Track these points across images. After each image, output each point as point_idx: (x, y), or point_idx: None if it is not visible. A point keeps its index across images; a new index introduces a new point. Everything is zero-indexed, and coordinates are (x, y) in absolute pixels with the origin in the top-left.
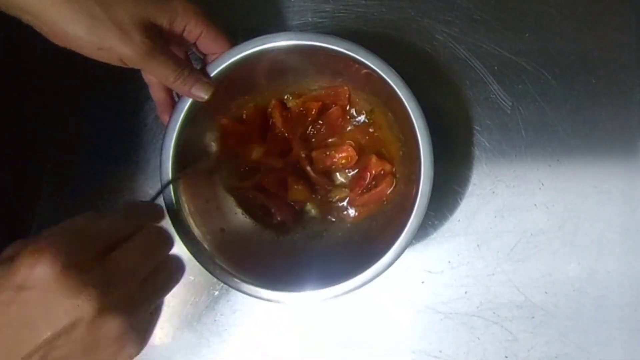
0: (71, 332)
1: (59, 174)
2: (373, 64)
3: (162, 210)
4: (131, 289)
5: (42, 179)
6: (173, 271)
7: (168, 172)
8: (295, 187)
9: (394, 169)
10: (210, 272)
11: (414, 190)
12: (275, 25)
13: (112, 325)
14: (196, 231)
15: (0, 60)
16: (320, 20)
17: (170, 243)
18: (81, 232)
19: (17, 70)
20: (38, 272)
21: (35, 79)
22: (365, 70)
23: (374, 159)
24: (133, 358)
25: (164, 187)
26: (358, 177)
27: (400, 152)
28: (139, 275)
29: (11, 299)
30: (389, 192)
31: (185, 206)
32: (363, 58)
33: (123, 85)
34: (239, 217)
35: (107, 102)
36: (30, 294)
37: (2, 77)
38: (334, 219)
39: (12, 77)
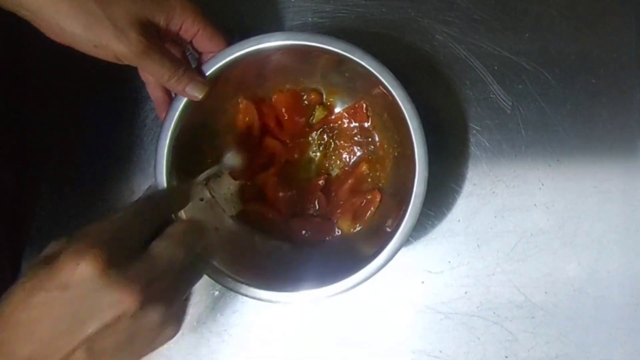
0: (115, 326)
1: (59, 174)
2: (368, 65)
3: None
4: (170, 281)
5: (42, 179)
6: (205, 258)
7: (162, 170)
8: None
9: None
10: (206, 273)
11: (409, 191)
12: (275, 25)
13: (154, 316)
14: None
15: (0, 60)
16: (320, 21)
17: (203, 235)
18: (119, 229)
19: (17, 70)
20: (81, 271)
21: (35, 79)
22: (361, 70)
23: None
24: (168, 341)
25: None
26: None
27: (396, 153)
28: (176, 267)
29: (56, 297)
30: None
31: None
32: (359, 58)
33: (123, 85)
34: (227, 213)
35: (107, 103)
36: (75, 292)
37: (2, 77)
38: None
39: (12, 77)
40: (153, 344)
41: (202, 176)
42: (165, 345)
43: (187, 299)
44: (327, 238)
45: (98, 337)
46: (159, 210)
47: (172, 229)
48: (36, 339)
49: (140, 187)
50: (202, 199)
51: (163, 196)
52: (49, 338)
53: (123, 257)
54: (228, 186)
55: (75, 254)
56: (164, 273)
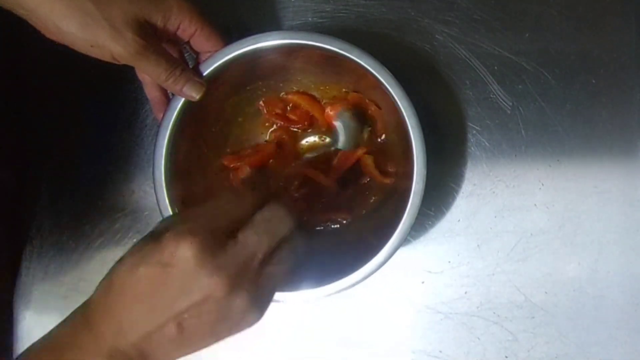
0: (202, 306)
1: (59, 174)
2: (366, 63)
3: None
4: (256, 266)
5: (42, 179)
6: (293, 248)
7: (161, 170)
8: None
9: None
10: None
11: (408, 189)
12: (274, 25)
13: (239, 303)
14: None
15: (0, 60)
16: (320, 21)
17: (291, 220)
18: (215, 216)
19: (17, 70)
20: (179, 253)
21: (35, 79)
22: (359, 69)
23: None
24: (249, 327)
25: None
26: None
27: (395, 151)
28: (263, 253)
29: (158, 273)
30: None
31: (180, 206)
32: (357, 57)
33: (123, 85)
34: None
35: (107, 103)
36: (173, 271)
37: (2, 77)
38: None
39: (12, 77)
40: (236, 328)
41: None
42: None
43: (272, 291)
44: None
45: (188, 314)
46: (254, 200)
47: (258, 216)
48: (137, 309)
49: (140, 187)
50: (205, 201)
51: (258, 187)
52: (147, 309)
53: (217, 243)
54: None
55: (176, 235)
56: (249, 261)
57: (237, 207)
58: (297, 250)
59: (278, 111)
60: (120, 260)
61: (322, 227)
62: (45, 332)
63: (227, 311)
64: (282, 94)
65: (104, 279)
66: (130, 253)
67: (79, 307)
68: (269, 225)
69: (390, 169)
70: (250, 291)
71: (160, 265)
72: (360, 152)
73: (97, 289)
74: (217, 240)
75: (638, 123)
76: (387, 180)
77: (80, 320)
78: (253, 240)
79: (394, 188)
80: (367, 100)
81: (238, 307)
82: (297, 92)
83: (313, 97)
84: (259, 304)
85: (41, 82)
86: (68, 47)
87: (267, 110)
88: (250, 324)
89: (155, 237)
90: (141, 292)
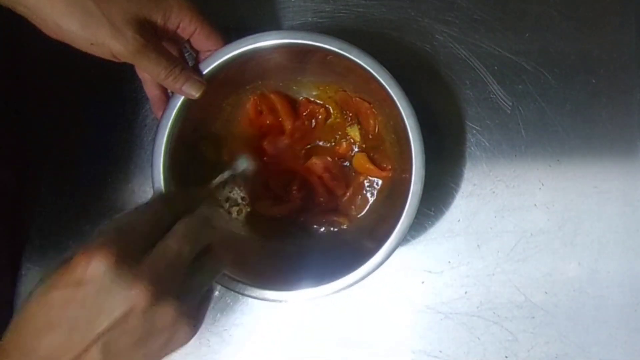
0: (126, 322)
1: (59, 174)
2: (365, 63)
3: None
4: (180, 276)
5: (42, 179)
6: (219, 255)
7: (160, 168)
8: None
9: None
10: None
11: (406, 190)
12: (274, 25)
13: (164, 312)
14: None
15: (0, 60)
16: (320, 21)
17: (213, 229)
18: (128, 229)
19: (17, 70)
20: (92, 269)
21: (35, 79)
22: (359, 69)
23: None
24: (185, 344)
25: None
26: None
27: (394, 151)
28: (185, 261)
29: (71, 294)
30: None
31: None
32: (356, 57)
33: (123, 85)
34: (232, 215)
35: (107, 103)
36: (87, 289)
37: (2, 77)
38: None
39: (12, 77)
40: (167, 346)
41: (216, 181)
42: None
43: (203, 303)
44: (334, 219)
45: (112, 334)
46: (169, 212)
47: (177, 226)
48: (52, 336)
49: (140, 187)
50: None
51: (173, 198)
52: (64, 335)
53: (133, 254)
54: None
55: (87, 253)
56: (171, 268)
57: (155, 217)
58: (222, 260)
59: (261, 109)
60: (31, 291)
61: (321, 228)
62: None
63: (153, 325)
64: (260, 91)
65: (13, 317)
66: (40, 281)
67: None
68: (190, 232)
69: (386, 165)
70: (175, 300)
71: (72, 286)
72: (345, 145)
73: (8, 328)
74: (134, 250)
75: (638, 123)
76: (385, 174)
77: None
78: (173, 247)
79: (393, 189)
80: (356, 98)
81: (165, 319)
82: (275, 92)
83: (287, 100)
84: (189, 314)
85: (41, 82)
86: (68, 47)
87: (250, 111)
88: (184, 338)
89: (65, 260)
90: (55, 319)
